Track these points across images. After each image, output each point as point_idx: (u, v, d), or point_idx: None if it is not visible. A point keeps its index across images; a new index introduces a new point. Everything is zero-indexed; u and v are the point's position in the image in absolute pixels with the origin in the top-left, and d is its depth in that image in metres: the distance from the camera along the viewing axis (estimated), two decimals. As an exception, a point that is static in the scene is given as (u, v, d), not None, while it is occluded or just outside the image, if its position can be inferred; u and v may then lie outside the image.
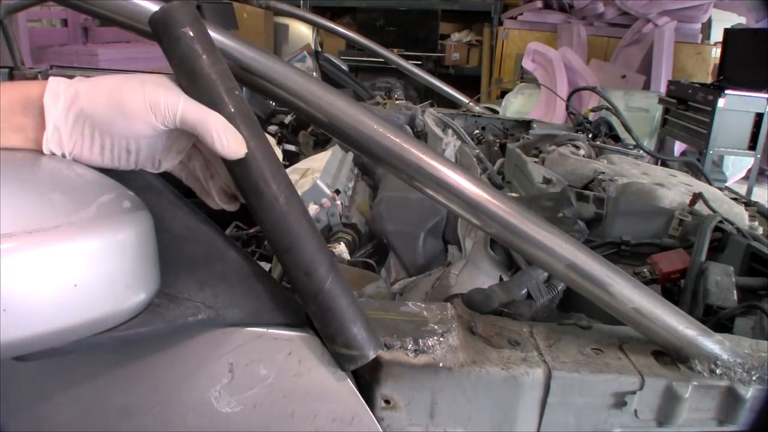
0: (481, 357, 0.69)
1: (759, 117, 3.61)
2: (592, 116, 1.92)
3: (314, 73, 2.61)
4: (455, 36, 6.89)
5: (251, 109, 0.64)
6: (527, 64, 5.32)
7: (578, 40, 5.53)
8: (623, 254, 1.06)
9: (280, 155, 0.66)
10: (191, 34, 0.59)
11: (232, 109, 0.60)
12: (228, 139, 0.59)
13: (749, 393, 0.68)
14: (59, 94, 0.57)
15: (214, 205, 0.70)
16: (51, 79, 0.58)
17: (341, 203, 1.19)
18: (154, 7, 0.69)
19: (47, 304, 0.47)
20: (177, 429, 0.69)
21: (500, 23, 6.28)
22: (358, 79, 3.03)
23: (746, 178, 4.05)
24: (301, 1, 6.32)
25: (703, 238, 0.96)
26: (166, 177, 0.68)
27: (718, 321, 0.86)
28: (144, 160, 0.62)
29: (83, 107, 0.57)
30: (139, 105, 0.58)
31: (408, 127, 1.85)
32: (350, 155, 1.48)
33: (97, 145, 0.59)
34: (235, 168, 0.62)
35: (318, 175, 1.19)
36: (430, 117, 1.85)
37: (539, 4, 5.96)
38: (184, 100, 0.59)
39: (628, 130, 1.73)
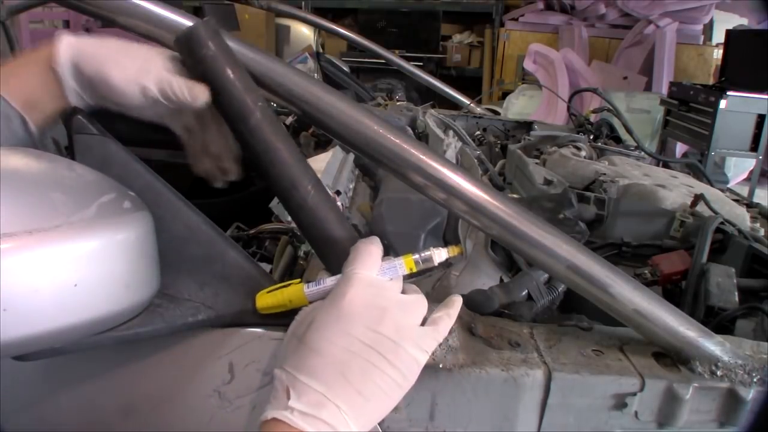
0: (481, 358, 0.69)
1: (761, 118, 3.60)
2: (593, 117, 1.91)
3: (315, 75, 2.61)
4: (456, 37, 6.89)
5: (275, 116, 0.69)
6: (528, 65, 5.32)
7: (579, 41, 5.52)
8: (624, 255, 1.06)
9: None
10: (212, 53, 0.64)
11: (259, 116, 0.66)
12: (188, 96, 0.64)
13: (750, 395, 0.68)
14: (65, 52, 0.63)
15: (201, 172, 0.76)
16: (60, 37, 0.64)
17: (342, 204, 1.19)
18: (155, 8, 0.69)
19: (47, 304, 0.47)
20: (177, 429, 0.69)
21: (501, 24, 6.28)
22: (359, 80, 3.03)
23: (748, 179, 4.05)
24: (303, 3, 6.32)
25: (704, 240, 0.96)
26: (168, 177, 0.68)
27: (719, 322, 0.86)
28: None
29: (82, 67, 0.64)
30: (132, 92, 0.64)
31: (409, 129, 1.84)
32: (351, 156, 1.48)
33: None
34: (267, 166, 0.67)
35: (319, 176, 1.19)
36: (431, 118, 1.85)
37: (540, 6, 5.96)
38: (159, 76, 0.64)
39: (629, 131, 1.72)
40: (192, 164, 0.76)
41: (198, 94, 0.65)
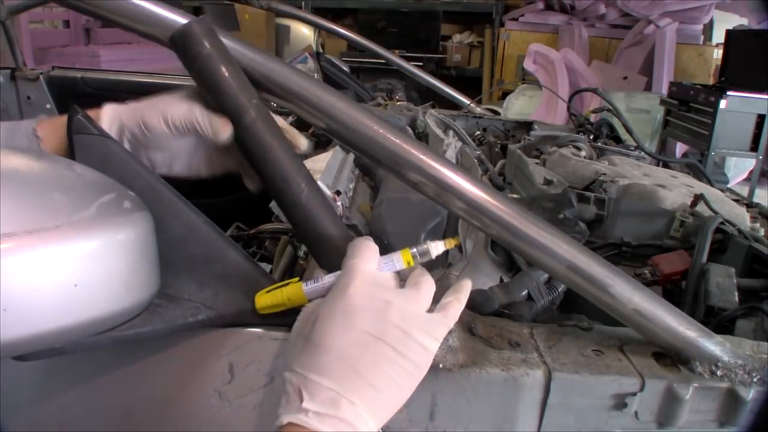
0: (481, 358, 0.69)
1: (761, 118, 3.61)
2: (593, 117, 1.91)
3: (315, 75, 2.61)
4: (456, 37, 6.89)
5: (270, 113, 0.70)
6: (528, 65, 5.32)
7: (579, 41, 5.53)
8: (624, 255, 1.06)
9: (304, 145, 0.75)
10: (207, 51, 0.65)
11: (254, 114, 0.67)
12: (209, 127, 0.68)
13: (750, 395, 0.68)
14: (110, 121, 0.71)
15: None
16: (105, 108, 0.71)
17: (342, 204, 1.19)
18: (155, 8, 0.69)
19: (47, 304, 0.47)
20: (177, 429, 0.69)
21: (501, 24, 6.28)
22: (359, 80, 3.03)
23: (748, 179, 4.05)
24: (303, 2, 6.32)
25: (704, 240, 0.96)
26: (168, 177, 0.68)
27: (719, 322, 0.86)
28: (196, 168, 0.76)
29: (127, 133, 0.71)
30: (159, 124, 0.69)
31: (409, 129, 1.84)
32: (351, 156, 1.48)
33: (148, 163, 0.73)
34: (261, 165, 0.68)
35: (319, 176, 1.19)
36: (431, 118, 1.85)
37: (540, 6, 5.96)
38: (180, 106, 0.69)
39: (629, 131, 1.72)
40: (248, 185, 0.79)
41: (218, 128, 0.68)
